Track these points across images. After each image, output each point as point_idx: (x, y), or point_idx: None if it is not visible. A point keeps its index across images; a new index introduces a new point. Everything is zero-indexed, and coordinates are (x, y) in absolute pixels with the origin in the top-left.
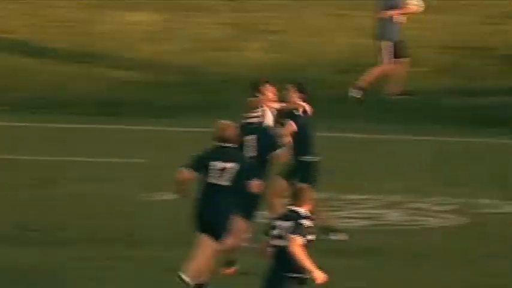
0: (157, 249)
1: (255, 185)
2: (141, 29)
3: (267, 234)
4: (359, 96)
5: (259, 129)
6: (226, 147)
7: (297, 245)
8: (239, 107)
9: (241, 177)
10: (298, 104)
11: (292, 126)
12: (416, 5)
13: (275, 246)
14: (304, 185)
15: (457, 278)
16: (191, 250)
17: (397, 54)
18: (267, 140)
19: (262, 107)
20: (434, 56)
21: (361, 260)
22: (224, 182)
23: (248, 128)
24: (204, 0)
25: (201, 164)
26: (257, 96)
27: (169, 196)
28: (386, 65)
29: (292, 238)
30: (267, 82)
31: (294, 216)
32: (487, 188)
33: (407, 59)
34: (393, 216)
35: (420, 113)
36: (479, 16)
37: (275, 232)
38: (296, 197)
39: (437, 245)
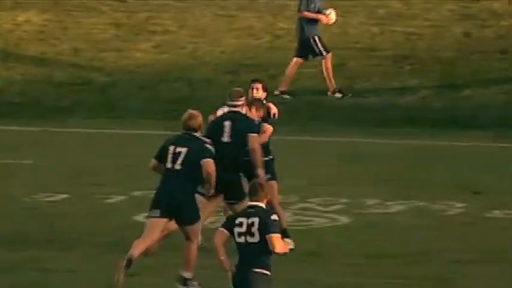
0: (35, 250)
1: (207, 163)
2: (29, 29)
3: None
4: (340, 96)
5: (236, 116)
6: (187, 134)
7: (279, 241)
8: (128, 107)
9: (192, 158)
10: (269, 105)
11: (270, 129)
12: (329, 17)
13: (244, 243)
14: (263, 181)
15: (337, 279)
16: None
17: (304, 51)
18: (243, 124)
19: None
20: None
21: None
22: (178, 166)
23: (226, 116)
24: (91, 0)
25: (163, 152)
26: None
27: (55, 197)
28: (327, 57)
29: (272, 236)
30: (257, 80)
31: (261, 212)
32: (373, 188)
33: (302, 60)
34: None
35: (304, 113)
36: (365, 17)
37: (242, 229)
38: (257, 193)
39: (324, 245)
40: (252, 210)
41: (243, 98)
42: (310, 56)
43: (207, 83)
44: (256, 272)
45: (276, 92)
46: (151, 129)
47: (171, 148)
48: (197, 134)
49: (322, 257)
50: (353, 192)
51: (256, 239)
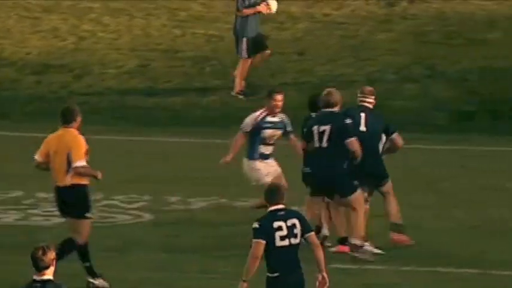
0: None
1: (350, 142)
2: None
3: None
4: (244, 99)
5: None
6: (328, 111)
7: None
8: None
9: (336, 136)
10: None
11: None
12: (269, 6)
13: (288, 245)
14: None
15: (141, 274)
16: None
17: (257, 48)
18: None
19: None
20: (123, 58)
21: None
22: (325, 144)
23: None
24: None
25: (308, 133)
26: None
27: None
28: (245, 60)
29: (314, 235)
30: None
31: (296, 213)
32: (175, 185)
33: (268, 51)
34: None
35: (108, 112)
36: (167, 19)
37: (284, 232)
38: (283, 195)
39: (127, 241)
40: (283, 212)
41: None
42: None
43: (12, 83)
44: (303, 272)
45: (233, 93)
46: None
47: (315, 128)
48: (336, 110)
49: (126, 253)
50: (155, 189)
51: (298, 239)
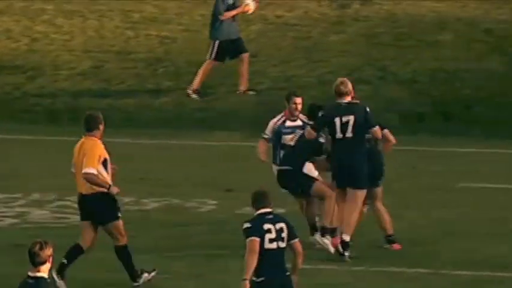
0: None
1: (375, 132)
2: None
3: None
4: (197, 98)
5: None
6: (346, 102)
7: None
8: None
9: (360, 125)
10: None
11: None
12: (248, 7)
13: (276, 248)
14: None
15: (91, 274)
16: None
17: (233, 52)
18: None
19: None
20: (76, 59)
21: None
22: (349, 134)
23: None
24: None
25: (331, 126)
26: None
27: None
28: (209, 63)
29: (298, 242)
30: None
31: (282, 217)
32: (128, 186)
33: (246, 54)
34: (38, 214)
35: (65, 116)
36: (121, 21)
37: (273, 235)
38: (269, 199)
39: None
40: (272, 216)
41: None
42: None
43: None
44: (289, 275)
45: (239, 92)
46: None
47: (337, 119)
48: (351, 99)
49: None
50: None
51: (284, 243)
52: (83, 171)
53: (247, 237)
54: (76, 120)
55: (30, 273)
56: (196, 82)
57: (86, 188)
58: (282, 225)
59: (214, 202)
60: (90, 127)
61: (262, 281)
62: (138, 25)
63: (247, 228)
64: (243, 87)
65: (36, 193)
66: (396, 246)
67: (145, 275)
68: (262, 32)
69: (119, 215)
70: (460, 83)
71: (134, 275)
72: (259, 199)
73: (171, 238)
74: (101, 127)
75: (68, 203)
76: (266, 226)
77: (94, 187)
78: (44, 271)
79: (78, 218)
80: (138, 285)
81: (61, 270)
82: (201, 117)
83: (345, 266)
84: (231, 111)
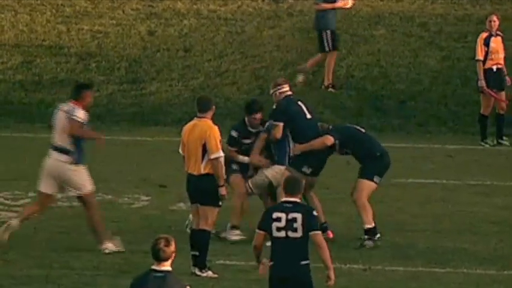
0: None
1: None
2: None
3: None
4: (335, 91)
5: None
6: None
7: (322, 238)
8: None
9: None
10: None
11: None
12: (346, 1)
13: (284, 237)
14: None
15: (24, 271)
16: None
17: (334, 44)
18: None
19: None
20: (5, 54)
21: None
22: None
23: None
24: None
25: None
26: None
27: None
28: (331, 54)
29: (318, 234)
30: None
31: (303, 208)
32: None
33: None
34: None
35: None
36: (52, 15)
37: (281, 224)
38: (297, 188)
39: (12, 237)
40: (290, 205)
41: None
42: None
43: None
44: (304, 264)
45: (323, 87)
46: None
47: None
48: None
49: (10, 250)
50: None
51: (299, 234)
52: (213, 156)
53: (257, 227)
54: (7, 115)
55: (155, 267)
56: (328, 77)
57: (199, 169)
58: (297, 215)
59: (148, 198)
60: (201, 108)
61: (271, 266)
62: (70, 19)
63: (261, 218)
64: (327, 81)
65: None
66: (330, 233)
67: (210, 272)
68: (196, 26)
69: (220, 203)
70: (395, 78)
71: (202, 264)
72: (285, 186)
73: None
74: (213, 108)
75: (0, 199)
76: (276, 215)
77: (207, 169)
78: (168, 266)
79: (9, 215)
80: (199, 275)
81: (198, 263)
82: (133, 112)
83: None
84: (164, 105)
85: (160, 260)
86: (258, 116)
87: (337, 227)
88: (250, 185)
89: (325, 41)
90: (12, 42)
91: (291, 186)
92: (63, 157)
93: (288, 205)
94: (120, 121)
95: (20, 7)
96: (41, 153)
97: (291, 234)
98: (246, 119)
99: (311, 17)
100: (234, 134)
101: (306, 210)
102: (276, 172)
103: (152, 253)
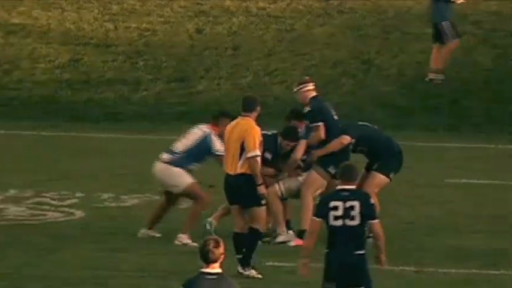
0: None
1: None
2: None
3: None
4: (439, 81)
5: None
6: None
7: (381, 227)
8: None
9: None
10: None
11: None
12: None
13: (341, 226)
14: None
15: (74, 273)
16: None
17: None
18: None
19: None
20: (52, 52)
21: None
22: None
23: None
24: None
25: None
26: None
27: None
28: (452, 43)
29: (376, 223)
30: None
31: (360, 196)
32: (107, 182)
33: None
34: (15, 211)
35: (39, 108)
36: (100, 13)
37: (339, 213)
38: (352, 175)
39: (59, 239)
40: (347, 193)
41: None
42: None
43: None
44: (360, 254)
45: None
46: None
47: None
48: None
49: (57, 252)
50: (88, 186)
51: (356, 222)
52: (250, 155)
53: (313, 215)
54: (54, 114)
55: (205, 270)
56: (437, 64)
57: (235, 168)
58: (354, 203)
59: None
60: (247, 107)
61: (326, 253)
62: (117, 17)
63: (315, 205)
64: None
65: (12, 189)
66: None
67: (254, 272)
68: (245, 24)
69: (263, 202)
70: (448, 76)
71: (246, 262)
72: (341, 174)
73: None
74: (258, 109)
75: (45, 199)
76: (333, 203)
77: (244, 169)
78: (217, 268)
79: (56, 215)
80: (241, 273)
81: (242, 261)
82: (181, 111)
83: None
84: (212, 105)
85: (209, 261)
86: (293, 144)
87: (387, 229)
88: (282, 189)
89: (443, 32)
90: (59, 40)
91: (347, 173)
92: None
93: (345, 193)
94: (168, 120)
95: (68, 5)
96: (87, 152)
97: (348, 222)
98: (279, 140)
99: (362, 14)
100: (268, 156)
101: (363, 197)
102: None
103: (201, 255)
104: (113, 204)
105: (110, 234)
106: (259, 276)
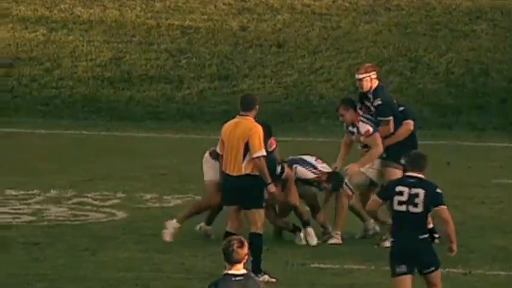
0: None
1: None
2: None
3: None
4: None
5: None
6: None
7: (448, 213)
8: None
9: None
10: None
11: None
12: None
13: (405, 211)
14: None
15: (114, 274)
16: None
17: None
18: None
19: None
20: (94, 50)
21: (23, 254)
22: None
23: None
24: None
25: None
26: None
27: None
28: None
29: (443, 209)
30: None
31: (426, 185)
32: (149, 182)
33: None
34: (56, 211)
35: (79, 106)
36: (142, 10)
37: (404, 198)
38: (421, 163)
39: (100, 240)
40: (413, 180)
41: None
42: None
43: None
44: (424, 238)
45: None
46: None
47: None
48: None
49: (99, 252)
50: (129, 186)
51: (419, 209)
52: (256, 155)
53: (376, 195)
54: (95, 113)
55: (230, 271)
56: None
57: (239, 170)
58: (420, 191)
59: None
60: (247, 107)
61: (392, 241)
62: (160, 14)
63: (382, 187)
64: None
65: (54, 189)
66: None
67: (267, 277)
68: (290, 21)
69: (264, 204)
70: (495, 75)
71: (258, 269)
72: (409, 162)
73: (194, 236)
74: (256, 107)
75: (86, 199)
76: (399, 188)
77: (249, 169)
78: (242, 269)
79: (97, 215)
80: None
81: (253, 268)
82: (224, 110)
83: (372, 266)
84: None
85: (232, 262)
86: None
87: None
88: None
89: None
90: (101, 38)
91: (415, 161)
92: None
93: (411, 180)
94: (211, 120)
95: (109, 2)
96: (129, 152)
97: (411, 209)
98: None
99: (409, 11)
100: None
101: (429, 187)
102: (376, 170)
103: (225, 255)
104: (156, 205)
105: (152, 235)
106: (273, 280)
